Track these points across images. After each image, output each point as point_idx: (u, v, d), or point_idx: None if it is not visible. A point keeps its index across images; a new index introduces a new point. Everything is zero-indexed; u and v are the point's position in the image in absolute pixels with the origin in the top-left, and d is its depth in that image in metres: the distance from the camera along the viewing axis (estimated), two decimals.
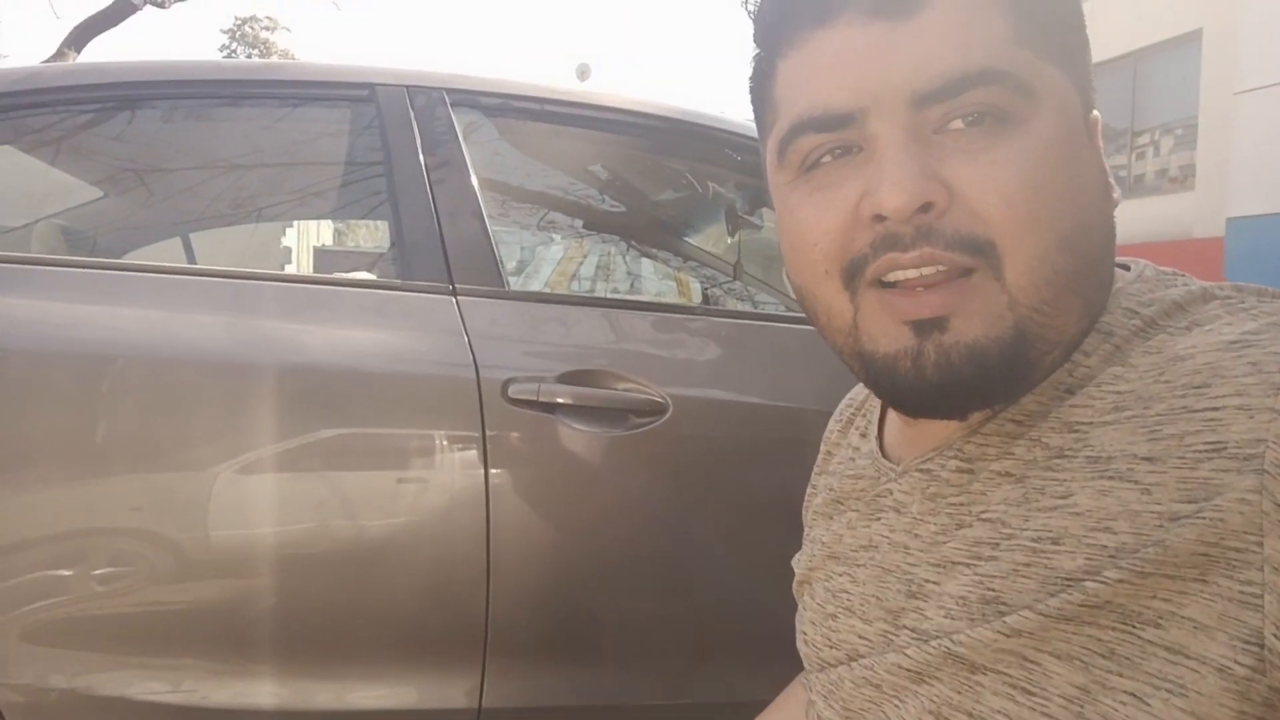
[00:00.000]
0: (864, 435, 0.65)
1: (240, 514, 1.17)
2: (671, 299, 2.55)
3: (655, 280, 2.62)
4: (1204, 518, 0.40)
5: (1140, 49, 11.93)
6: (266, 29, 28.82)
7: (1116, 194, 0.51)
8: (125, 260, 1.34)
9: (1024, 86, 0.46)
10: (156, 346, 1.18)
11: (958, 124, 0.46)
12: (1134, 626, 0.42)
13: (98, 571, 1.13)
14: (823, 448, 0.72)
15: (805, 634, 0.65)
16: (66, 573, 1.13)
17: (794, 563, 0.71)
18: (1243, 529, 0.39)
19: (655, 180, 2.05)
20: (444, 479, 1.21)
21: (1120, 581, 0.42)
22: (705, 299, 2.36)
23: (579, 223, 2.19)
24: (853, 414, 0.70)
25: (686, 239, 2.19)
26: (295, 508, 1.18)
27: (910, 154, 0.46)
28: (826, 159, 0.50)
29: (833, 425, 0.72)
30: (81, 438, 1.14)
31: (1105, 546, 0.43)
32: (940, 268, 0.46)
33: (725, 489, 1.32)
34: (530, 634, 1.25)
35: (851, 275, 0.49)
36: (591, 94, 1.59)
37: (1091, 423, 0.47)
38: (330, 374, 1.21)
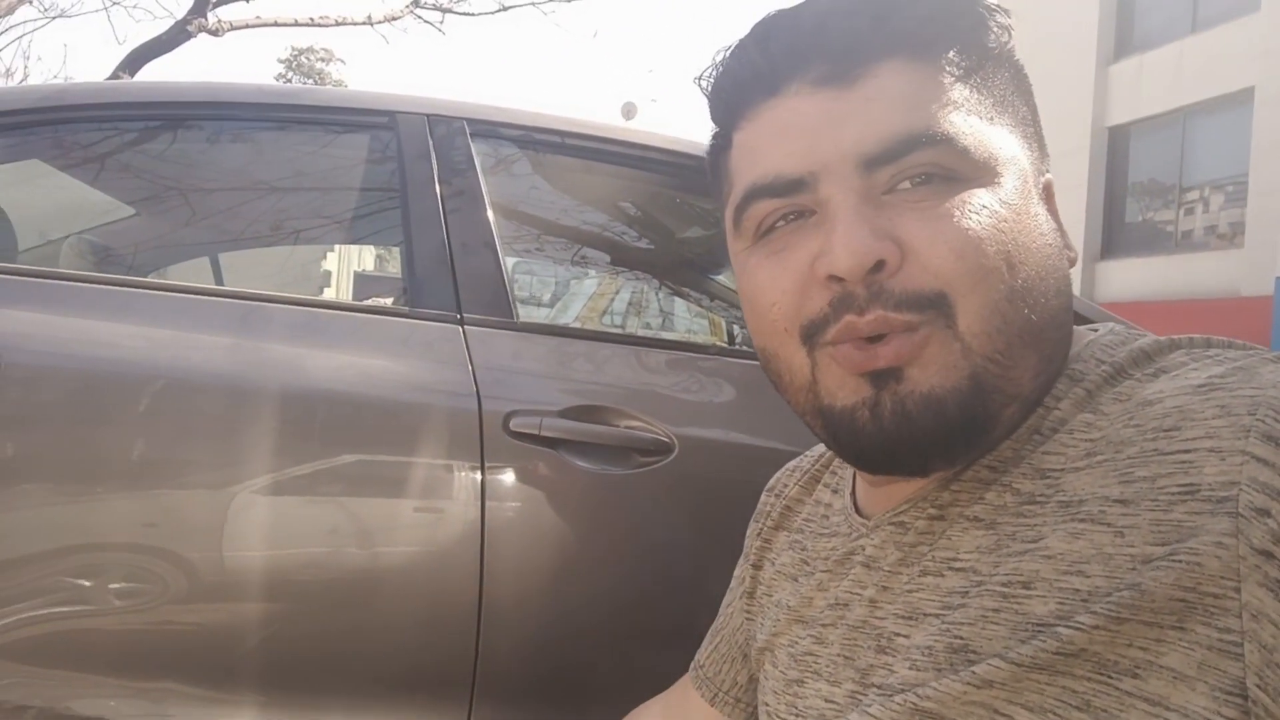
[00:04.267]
0: (836, 492, 0.63)
1: (231, 538, 1.15)
2: (703, 338, 2.51)
3: (688, 319, 2.58)
4: (1180, 561, 0.39)
5: (1189, 104, 11.81)
6: (322, 60, 29.59)
7: (1073, 254, 0.53)
8: (132, 277, 1.34)
9: (969, 149, 0.48)
10: (160, 365, 1.17)
11: (906, 185, 0.48)
12: (1110, 677, 0.40)
13: (81, 591, 1.12)
14: (776, 501, 0.70)
15: (768, 704, 0.61)
16: (46, 591, 1.11)
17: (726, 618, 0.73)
18: (1219, 574, 0.39)
19: (684, 218, 2.03)
20: (440, 511, 1.19)
21: (1096, 628, 0.41)
22: (730, 339, 2.32)
23: (606, 258, 2.18)
24: (819, 470, 0.67)
25: (717, 278, 2.17)
26: (288, 533, 1.16)
27: (862, 215, 0.47)
28: (780, 224, 0.52)
29: (788, 480, 0.70)
30: (77, 453, 1.14)
31: (1078, 590, 0.42)
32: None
33: (733, 534, 1.28)
34: (520, 676, 1.21)
35: (810, 334, 0.50)
36: (615, 128, 1.58)
37: (1064, 469, 0.46)
38: (331, 399, 1.19)
